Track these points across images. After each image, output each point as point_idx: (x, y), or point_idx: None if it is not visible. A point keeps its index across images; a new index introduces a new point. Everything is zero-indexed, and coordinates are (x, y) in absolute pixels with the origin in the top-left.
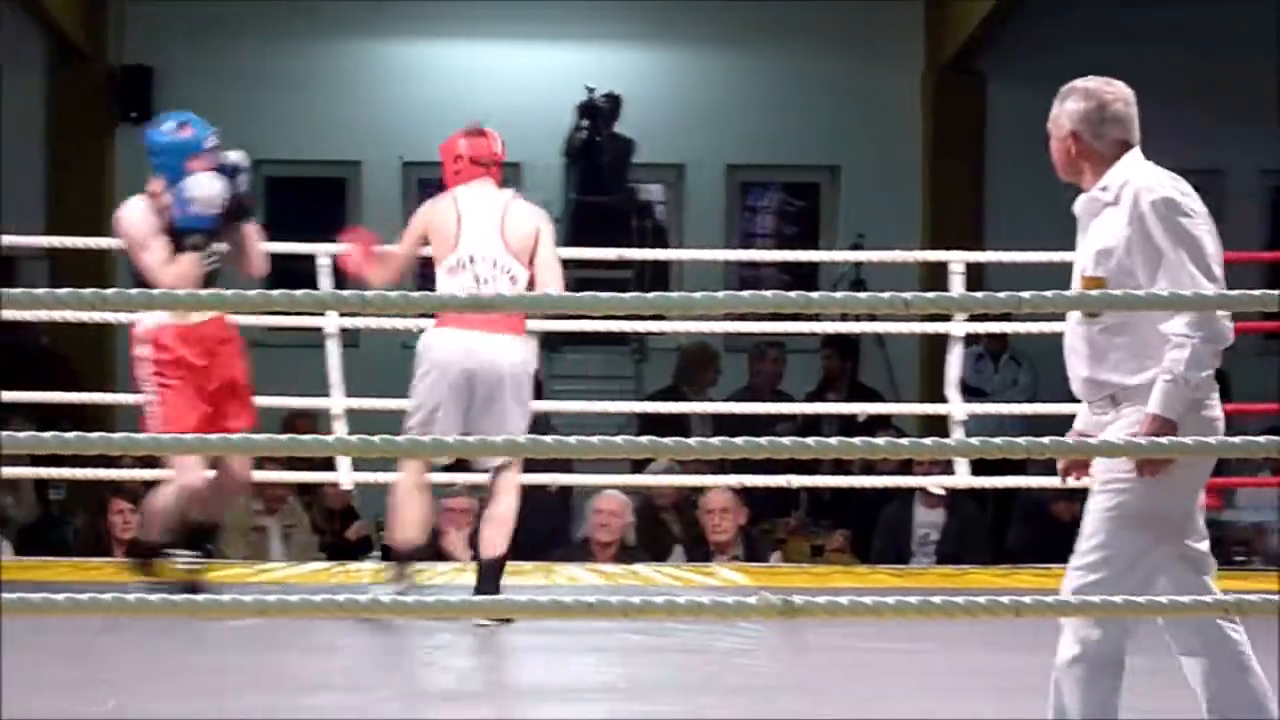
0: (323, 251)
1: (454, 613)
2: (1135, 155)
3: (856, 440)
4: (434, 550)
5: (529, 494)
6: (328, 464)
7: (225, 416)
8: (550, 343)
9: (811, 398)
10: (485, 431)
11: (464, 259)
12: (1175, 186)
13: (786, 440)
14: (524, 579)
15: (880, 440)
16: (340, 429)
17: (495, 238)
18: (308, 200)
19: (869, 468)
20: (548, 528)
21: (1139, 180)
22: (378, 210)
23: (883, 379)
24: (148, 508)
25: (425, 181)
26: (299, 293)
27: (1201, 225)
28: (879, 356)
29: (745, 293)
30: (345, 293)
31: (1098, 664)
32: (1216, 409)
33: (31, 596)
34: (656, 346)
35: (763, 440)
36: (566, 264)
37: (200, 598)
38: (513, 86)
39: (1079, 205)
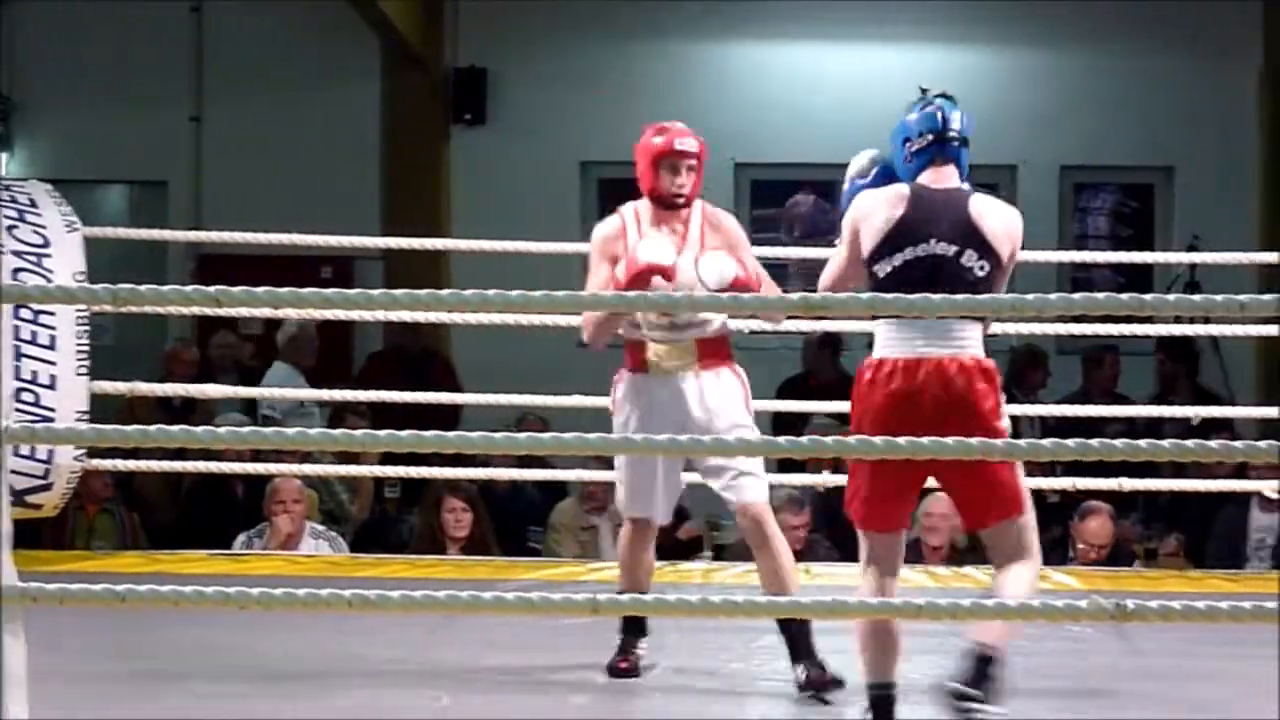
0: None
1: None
2: None
3: (1191, 443)
4: None
5: None
6: None
7: None
8: None
9: (1154, 401)
10: None
11: None
12: None
13: (1119, 442)
14: (849, 581)
15: (1214, 443)
16: None
17: None
18: None
19: (1205, 471)
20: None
21: None
22: None
23: (1217, 382)
24: None
25: (758, 183)
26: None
27: None
28: (1213, 360)
29: (1076, 294)
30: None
31: None
32: None
33: (368, 593)
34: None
35: (1094, 442)
36: None
37: (532, 596)
38: (844, 88)
39: None
